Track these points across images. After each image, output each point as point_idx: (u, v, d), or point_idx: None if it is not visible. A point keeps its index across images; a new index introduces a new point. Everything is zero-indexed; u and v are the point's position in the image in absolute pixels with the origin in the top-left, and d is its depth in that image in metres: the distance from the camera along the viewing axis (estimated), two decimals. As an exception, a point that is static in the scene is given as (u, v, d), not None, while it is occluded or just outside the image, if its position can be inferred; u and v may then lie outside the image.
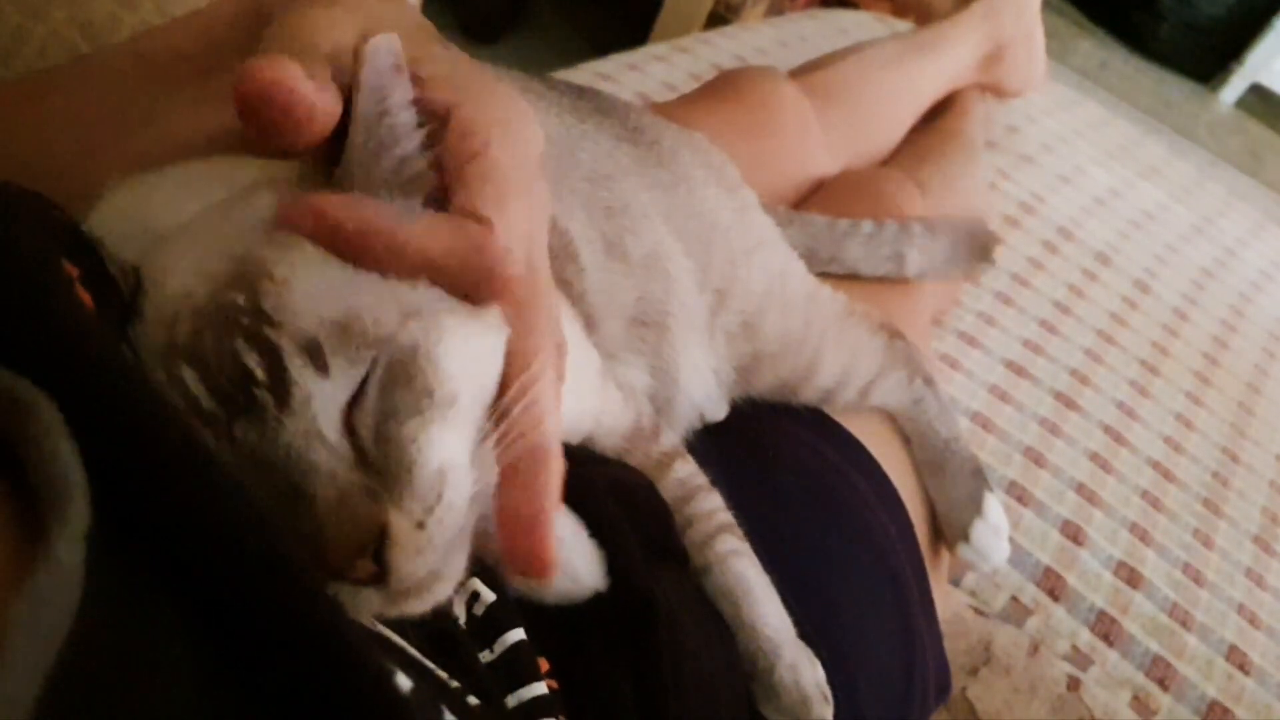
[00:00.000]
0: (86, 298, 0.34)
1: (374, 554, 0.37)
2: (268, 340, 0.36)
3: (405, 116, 0.41)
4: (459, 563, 0.40)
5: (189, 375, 0.36)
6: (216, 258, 0.38)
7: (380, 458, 0.38)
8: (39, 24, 0.75)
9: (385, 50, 0.40)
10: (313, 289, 0.38)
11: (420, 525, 0.37)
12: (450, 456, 0.39)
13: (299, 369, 0.36)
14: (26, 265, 0.31)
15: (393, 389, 0.38)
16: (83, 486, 0.26)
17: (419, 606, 0.39)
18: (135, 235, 0.41)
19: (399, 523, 0.37)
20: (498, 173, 0.41)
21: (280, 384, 0.36)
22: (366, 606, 0.37)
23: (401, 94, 0.41)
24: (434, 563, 0.38)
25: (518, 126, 0.44)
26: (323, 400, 0.37)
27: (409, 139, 0.42)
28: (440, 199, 0.42)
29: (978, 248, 1.14)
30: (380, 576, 0.37)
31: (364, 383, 0.38)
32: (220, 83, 0.43)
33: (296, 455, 0.36)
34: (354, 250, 0.38)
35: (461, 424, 0.40)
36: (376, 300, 0.39)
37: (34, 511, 0.26)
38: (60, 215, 0.38)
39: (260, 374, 0.36)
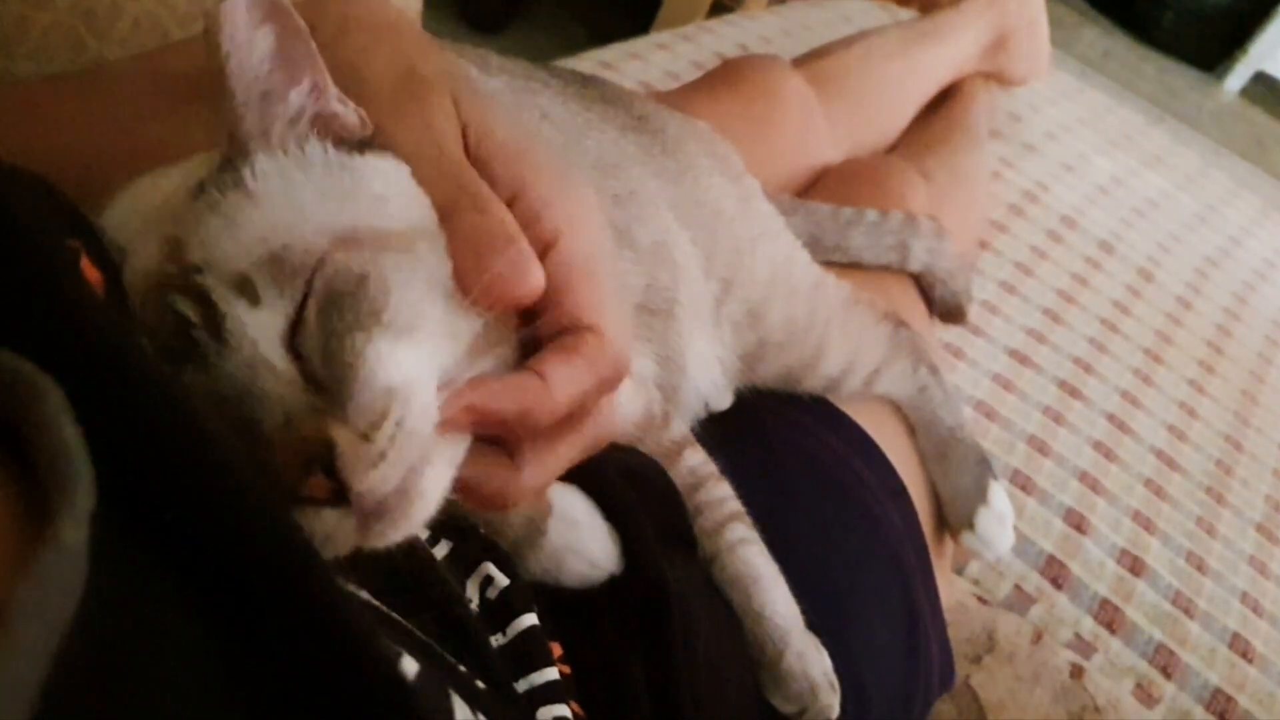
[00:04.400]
0: (95, 274, 0.34)
1: (327, 471, 0.37)
2: (196, 285, 0.38)
3: (276, 69, 0.42)
4: (435, 484, 0.40)
5: (146, 347, 0.37)
6: (160, 236, 0.40)
7: (328, 377, 0.38)
8: (42, 13, 0.74)
9: (241, 9, 0.40)
10: (238, 236, 0.39)
11: (366, 437, 0.38)
12: (407, 376, 0.39)
13: (228, 302, 0.38)
14: (31, 247, 0.31)
15: (337, 311, 0.39)
16: (87, 469, 0.26)
17: (396, 530, 0.39)
18: (132, 223, 0.42)
19: (342, 435, 0.37)
20: (587, 274, 0.45)
21: (212, 320, 0.37)
22: (342, 538, 0.38)
23: (264, 47, 0.41)
24: (395, 479, 0.38)
25: (586, 214, 0.46)
26: (258, 328, 0.38)
27: (294, 89, 0.43)
28: (351, 142, 0.44)
29: (948, 305, 1.13)
30: (341, 495, 0.37)
31: (302, 308, 0.39)
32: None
33: (243, 385, 0.37)
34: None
35: (426, 353, 0.40)
36: (309, 232, 0.40)
37: (39, 493, 0.26)
38: (63, 198, 0.38)
39: (192, 315, 0.37)
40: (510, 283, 0.42)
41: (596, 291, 0.45)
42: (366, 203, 0.42)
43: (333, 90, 0.43)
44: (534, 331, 0.44)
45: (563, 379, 0.42)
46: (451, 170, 0.44)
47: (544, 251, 0.44)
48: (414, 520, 0.40)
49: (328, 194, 0.42)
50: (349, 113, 0.44)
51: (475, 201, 0.43)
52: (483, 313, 0.43)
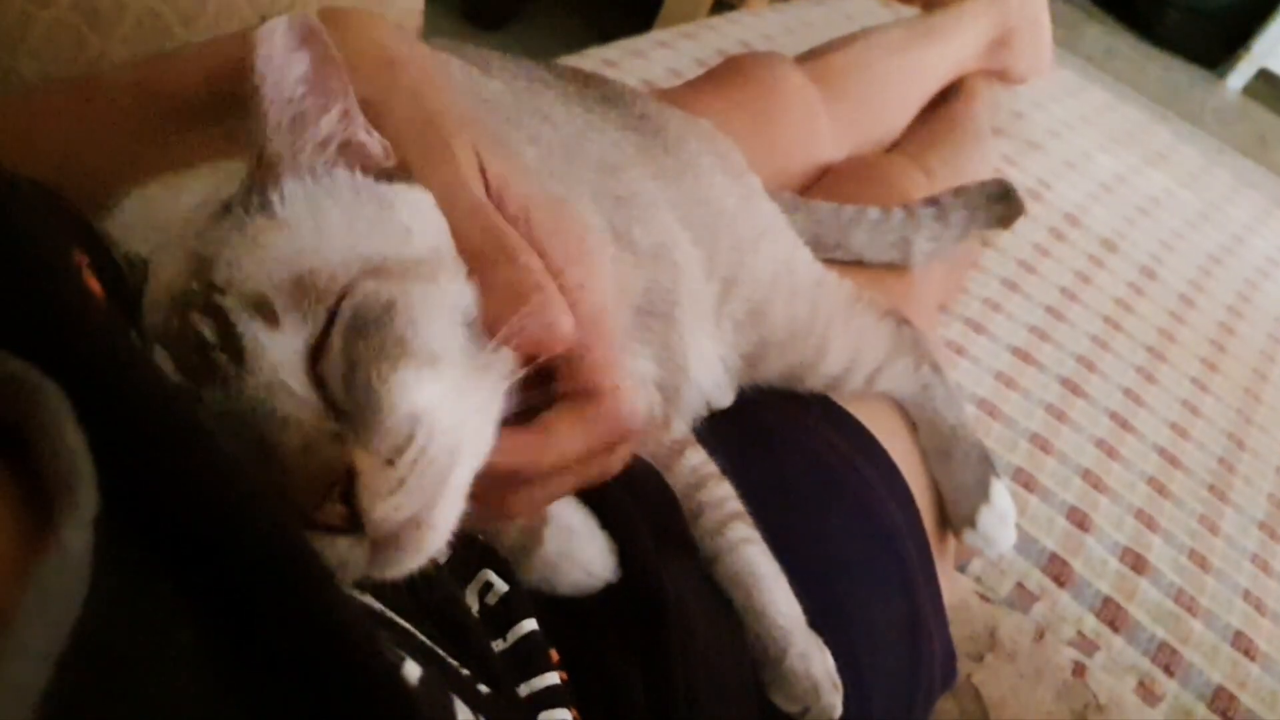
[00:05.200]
0: (96, 285, 0.34)
1: (344, 498, 0.37)
2: (216, 306, 0.38)
3: (309, 94, 0.42)
4: (448, 513, 0.40)
5: (160, 355, 0.38)
6: (186, 252, 0.40)
7: (350, 403, 0.38)
8: (44, 10, 0.74)
9: (280, 32, 0.41)
10: (262, 259, 0.39)
11: (390, 463, 0.38)
12: (429, 404, 0.39)
13: (246, 324, 0.38)
14: (36, 253, 0.31)
15: (363, 338, 0.39)
16: (90, 473, 0.26)
17: (407, 561, 0.39)
18: (147, 230, 0.42)
19: (365, 461, 0.37)
20: (602, 336, 0.46)
21: (232, 342, 0.38)
22: (353, 565, 0.38)
23: (298, 71, 0.41)
24: (411, 506, 0.38)
25: (599, 273, 0.48)
26: (278, 352, 0.38)
27: (325, 115, 0.43)
28: (376, 171, 0.44)
29: (998, 214, 1.12)
30: (355, 522, 0.37)
31: (328, 335, 0.39)
32: (228, 129, 0.46)
33: (262, 408, 0.37)
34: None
35: (448, 383, 0.41)
36: (335, 258, 0.40)
37: (42, 498, 0.26)
38: (70, 207, 0.39)
39: (211, 336, 0.38)
40: (546, 334, 0.43)
41: (610, 352, 0.46)
42: (393, 231, 0.43)
43: (360, 119, 0.44)
44: (553, 389, 0.46)
45: (566, 437, 0.45)
46: (482, 218, 0.45)
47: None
48: (426, 551, 0.40)
49: (354, 221, 0.42)
50: (374, 142, 0.44)
51: (506, 251, 0.44)
52: (510, 357, 0.43)
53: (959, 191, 1.11)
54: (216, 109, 0.47)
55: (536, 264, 0.44)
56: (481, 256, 0.44)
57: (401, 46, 0.49)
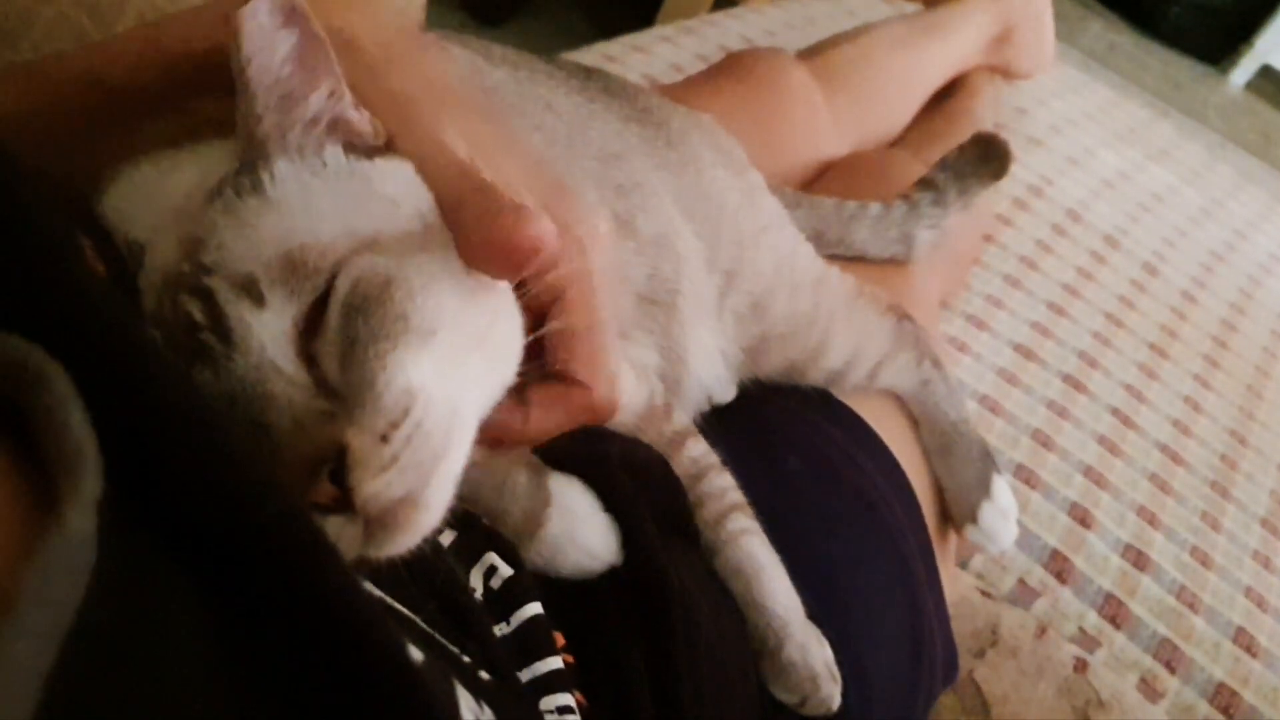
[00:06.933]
0: (100, 267, 0.34)
1: (335, 477, 0.37)
2: (204, 287, 0.38)
3: (296, 73, 0.42)
4: (443, 495, 0.40)
5: (154, 336, 0.38)
6: (179, 234, 0.41)
7: (343, 382, 0.38)
8: (46, 6, 0.74)
9: (264, 11, 0.40)
10: (251, 238, 0.40)
11: (384, 439, 0.38)
12: (425, 380, 0.39)
13: (233, 304, 0.38)
14: (40, 235, 0.31)
15: (362, 315, 0.39)
16: (94, 455, 0.26)
17: (401, 540, 0.39)
18: (143, 213, 0.42)
19: (357, 438, 0.37)
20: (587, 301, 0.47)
21: (220, 322, 0.38)
22: (346, 545, 0.38)
23: (284, 50, 0.41)
24: (404, 484, 0.38)
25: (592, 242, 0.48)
26: (265, 331, 0.38)
27: (313, 93, 0.43)
28: (362, 148, 0.44)
29: (990, 172, 1.10)
30: (345, 502, 0.37)
31: (319, 312, 0.39)
32: (189, 125, 0.45)
33: (251, 387, 0.37)
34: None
35: (443, 357, 0.41)
36: (325, 235, 0.40)
37: (46, 480, 0.26)
38: (70, 190, 0.38)
39: (199, 316, 0.38)
40: (515, 234, 0.41)
41: (600, 340, 0.47)
42: (382, 206, 0.43)
43: (348, 96, 0.43)
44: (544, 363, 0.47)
45: (542, 417, 0.47)
46: (456, 168, 0.44)
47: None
48: (419, 530, 0.40)
49: (344, 197, 0.42)
50: (363, 119, 0.44)
51: (480, 191, 0.43)
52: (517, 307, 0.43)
53: (944, 164, 1.10)
54: (175, 105, 0.47)
55: (510, 193, 0.43)
56: (456, 199, 0.43)
57: (375, 32, 0.48)
